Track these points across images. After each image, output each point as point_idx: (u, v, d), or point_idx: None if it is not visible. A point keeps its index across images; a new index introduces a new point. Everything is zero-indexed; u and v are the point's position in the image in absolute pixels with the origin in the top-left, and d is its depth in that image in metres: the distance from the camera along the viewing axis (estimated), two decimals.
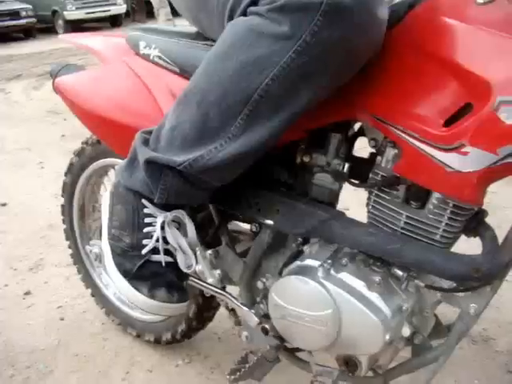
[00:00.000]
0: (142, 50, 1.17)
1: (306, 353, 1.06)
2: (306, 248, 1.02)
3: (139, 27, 1.25)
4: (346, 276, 0.93)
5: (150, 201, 0.98)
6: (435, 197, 0.86)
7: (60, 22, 11.88)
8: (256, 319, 1.05)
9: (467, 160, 0.75)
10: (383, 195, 0.93)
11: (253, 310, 1.07)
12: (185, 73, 1.09)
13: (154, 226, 0.99)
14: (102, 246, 1.04)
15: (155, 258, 1.00)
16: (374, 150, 0.97)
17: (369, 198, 0.96)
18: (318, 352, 1.00)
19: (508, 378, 1.42)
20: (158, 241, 0.99)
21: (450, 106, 0.77)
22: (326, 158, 1.00)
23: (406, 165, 0.84)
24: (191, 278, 1.15)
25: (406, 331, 0.93)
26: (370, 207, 0.96)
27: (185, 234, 1.04)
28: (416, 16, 0.82)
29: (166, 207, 1.00)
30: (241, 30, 0.82)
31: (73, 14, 11.74)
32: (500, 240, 0.87)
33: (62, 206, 1.66)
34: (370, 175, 0.94)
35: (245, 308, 1.08)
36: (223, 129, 0.85)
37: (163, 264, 1.01)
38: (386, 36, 0.83)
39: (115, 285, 1.02)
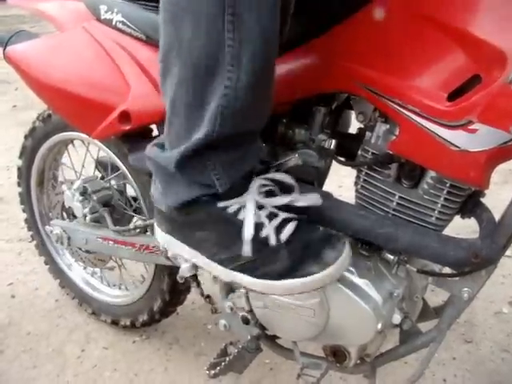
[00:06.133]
0: (104, 14, 1.06)
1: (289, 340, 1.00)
2: None
3: None
4: None
5: (223, 199, 0.81)
6: (430, 175, 0.80)
7: None
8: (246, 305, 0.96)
9: (475, 138, 0.68)
10: (373, 174, 0.86)
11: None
12: (151, 40, 0.98)
13: (258, 213, 0.80)
14: (230, 279, 0.83)
15: (285, 235, 0.79)
16: (362, 125, 0.89)
17: (357, 178, 0.89)
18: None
19: (465, 348, 1.44)
20: (270, 220, 0.80)
21: (454, 77, 0.69)
22: (310, 134, 0.93)
23: (403, 142, 0.77)
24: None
25: (397, 318, 0.89)
26: (359, 187, 0.89)
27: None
28: None
29: (240, 190, 0.81)
30: None
31: None
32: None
33: (19, 169, 1.54)
34: (359, 152, 0.87)
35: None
36: (219, 57, 0.70)
37: (297, 233, 0.81)
38: None
39: (279, 292, 0.81)
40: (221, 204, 0.80)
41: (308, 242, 0.80)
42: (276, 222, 0.80)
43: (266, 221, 0.79)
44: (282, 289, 0.80)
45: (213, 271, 0.85)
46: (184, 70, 0.73)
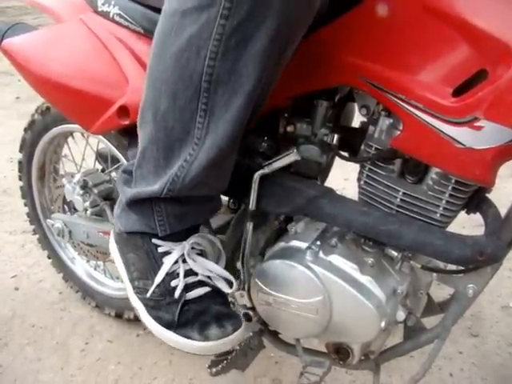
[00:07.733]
0: (101, 6, 1.03)
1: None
2: (290, 227, 0.93)
3: None
4: (336, 259, 0.86)
5: (161, 238, 0.88)
6: (435, 171, 0.78)
7: None
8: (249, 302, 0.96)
9: (481, 136, 0.66)
10: (377, 170, 0.84)
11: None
12: (149, 33, 0.96)
13: (175, 263, 0.87)
14: (132, 303, 0.92)
15: (192, 295, 0.87)
16: (365, 119, 0.87)
17: (360, 173, 0.87)
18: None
19: (471, 342, 1.43)
20: (186, 276, 0.87)
21: (460, 72, 0.67)
22: (312, 128, 0.91)
23: (406, 139, 0.75)
24: None
25: (401, 315, 0.87)
26: (362, 183, 0.87)
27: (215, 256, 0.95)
28: None
29: (179, 237, 0.89)
30: (165, 16, 0.73)
31: None
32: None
33: (20, 162, 1.53)
34: (362, 147, 0.85)
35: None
36: (187, 135, 0.76)
37: (203, 298, 0.88)
38: None
39: (164, 340, 0.89)
40: (155, 241, 0.88)
41: (204, 310, 0.86)
42: (190, 280, 0.87)
43: (182, 274, 0.86)
44: (166, 338, 0.87)
45: (127, 292, 0.93)
46: (157, 131, 0.78)
